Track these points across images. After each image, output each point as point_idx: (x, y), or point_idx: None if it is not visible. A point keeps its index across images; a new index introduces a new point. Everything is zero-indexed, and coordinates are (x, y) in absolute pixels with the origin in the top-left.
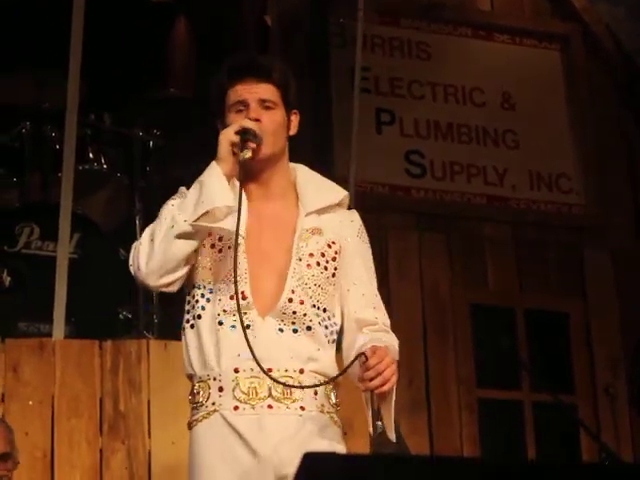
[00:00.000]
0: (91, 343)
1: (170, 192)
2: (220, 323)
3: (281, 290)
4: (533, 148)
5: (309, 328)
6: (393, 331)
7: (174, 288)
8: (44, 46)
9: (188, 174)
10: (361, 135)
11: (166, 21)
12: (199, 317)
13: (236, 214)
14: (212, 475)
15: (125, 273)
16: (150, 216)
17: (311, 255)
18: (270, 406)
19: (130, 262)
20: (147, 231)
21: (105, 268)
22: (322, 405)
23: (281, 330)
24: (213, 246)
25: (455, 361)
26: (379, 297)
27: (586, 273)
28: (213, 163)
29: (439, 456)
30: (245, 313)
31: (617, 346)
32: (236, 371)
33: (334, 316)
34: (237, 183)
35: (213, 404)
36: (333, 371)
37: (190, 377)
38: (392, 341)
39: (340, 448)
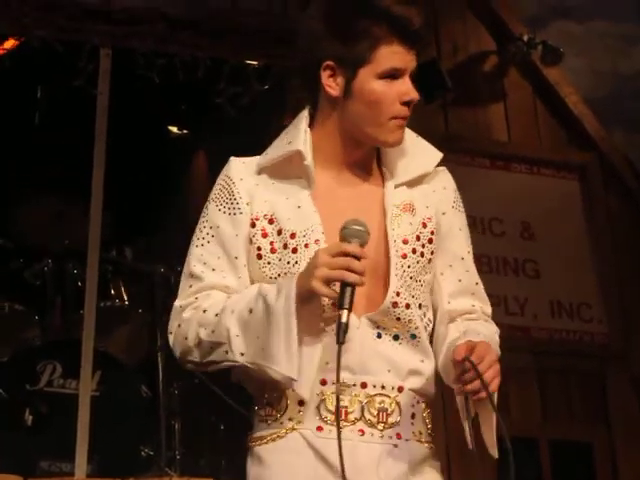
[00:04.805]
0: None
1: None
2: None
3: (380, 290)
4: (553, 277)
5: (413, 336)
6: None
7: None
8: (66, 182)
9: None
10: None
11: (185, 154)
12: None
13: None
14: None
15: (147, 409)
16: (172, 353)
17: (405, 242)
18: (362, 431)
19: (171, 343)
20: (194, 322)
21: (127, 405)
22: (420, 432)
23: (379, 335)
24: (285, 246)
25: None
26: (480, 283)
27: (609, 402)
28: (292, 298)
29: None
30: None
31: None
32: (323, 383)
33: (429, 311)
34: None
35: (290, 420)
36: (433, 387)
37: (254, 382)
38: (491, 333)
39: None
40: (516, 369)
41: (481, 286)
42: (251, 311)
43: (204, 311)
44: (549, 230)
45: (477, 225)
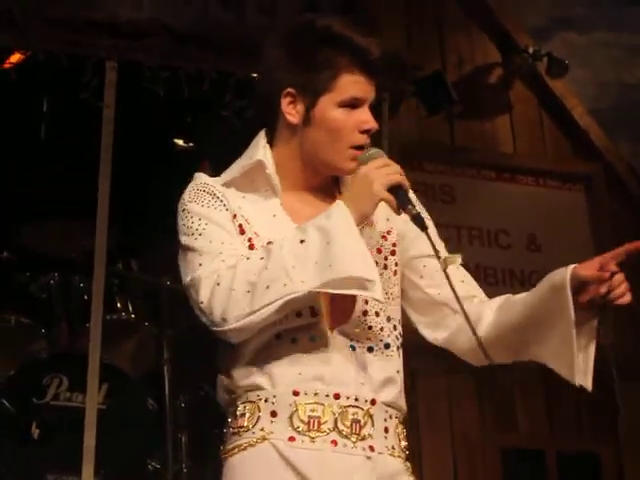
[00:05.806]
0: None
1: (198, 341)
2: (278, 337)
3: (351, 305)
4: None
5: (387, 345)
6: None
7: None
8: (72, 194)
9: None
10: None
11: (191, 167)
12: None
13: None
14: None
15: (153, 422)
16: (179, 364)
17: None
18: (334, 442)
19: (206, 308)
20: (239, 271)
21: (134, 418)
22: (393, 447)
23: (353, 348)
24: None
25: None
26: (464, 271)
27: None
28: (347, 214)
29: None
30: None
31: None
32: (295, 394)
33: (399, 325)
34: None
35: (262, 430)
36: (404, 403)
37: (227, 395)
38: None
39: None
40: (524, 381)
41: (468, 274)
42: (302, 241)
43: (247, 259)
44: (555, 241)
45: (483, 237)
